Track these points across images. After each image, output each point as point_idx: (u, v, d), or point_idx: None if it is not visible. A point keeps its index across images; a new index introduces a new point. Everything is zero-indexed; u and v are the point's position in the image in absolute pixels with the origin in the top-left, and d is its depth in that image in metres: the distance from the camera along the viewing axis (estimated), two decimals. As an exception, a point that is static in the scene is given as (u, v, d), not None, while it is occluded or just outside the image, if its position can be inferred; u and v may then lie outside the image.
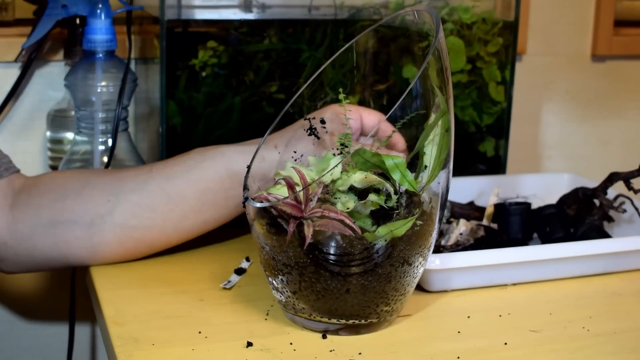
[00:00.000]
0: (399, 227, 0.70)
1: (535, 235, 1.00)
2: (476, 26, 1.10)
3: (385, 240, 0.71)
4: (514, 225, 0.97)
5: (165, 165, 0.88)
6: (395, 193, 0.72)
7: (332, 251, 0.70)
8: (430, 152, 0.72)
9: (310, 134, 0.77)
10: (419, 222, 0.72)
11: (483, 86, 1.13)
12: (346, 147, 0.74)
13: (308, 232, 0.69)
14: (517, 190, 1.08)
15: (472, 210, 1.03)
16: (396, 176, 0.70)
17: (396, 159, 0.70)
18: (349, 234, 0.69)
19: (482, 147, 1.15)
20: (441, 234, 0.96)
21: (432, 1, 1.11)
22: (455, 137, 0.75)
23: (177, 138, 1.01)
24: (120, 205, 0.85)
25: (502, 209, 0.98)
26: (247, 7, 1.04)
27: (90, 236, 0.85)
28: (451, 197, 1.03)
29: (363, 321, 0.74)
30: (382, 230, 0.70)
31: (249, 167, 0.75)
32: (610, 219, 0.99)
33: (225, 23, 1.01)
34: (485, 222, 1.00)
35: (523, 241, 0.97)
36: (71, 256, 0.86)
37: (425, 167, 0.73)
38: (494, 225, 0.99)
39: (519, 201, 1.01)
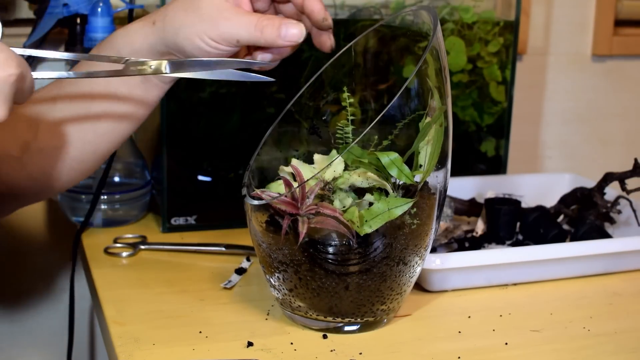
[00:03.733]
0: (397, 207, 0.70)
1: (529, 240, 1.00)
2: (477, 26, 1.10)
3: (384, 237, 0.71)
4: (501, 222, 0.98)
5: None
6: (394, 190, 0.72)
7: (327, 249, 0.71)
8: (425, 151, 0.73)
9: (312, 134, 0.77)
10: (415, 221, 0.72)
11: (484, 86, 1.13)
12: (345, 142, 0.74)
13: (302, 228, 0.69)
14: (517, 191, 1.08)
15: (472, 207, 1.03)
16: (393, 172, 0.70)
17: (391, 156, 0.70)
18: (344, 231, 0.69)
19: (482, 147, 1.15)
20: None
21: (432, 1, 1.11)
22: (455, 137, 0.75)
23: (177, 138, 1.01)
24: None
25: (491, 207, 0.99)
26: (247, 7, 1.04)
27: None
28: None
29: (359, 319, 0.75)
30: (381, 205, 0.70)
31: (249, 166, 0.75)
32: (612, 221, 1.00)
33: (226, 22, 1.01)
34: (481, 220, 1.00)
35: (509, 236, 0.98)
36: None
37: (421, 166, 0.73)
38: (481, 226, 0.99)
39: (508, 198, 1.02)
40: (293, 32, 0.71)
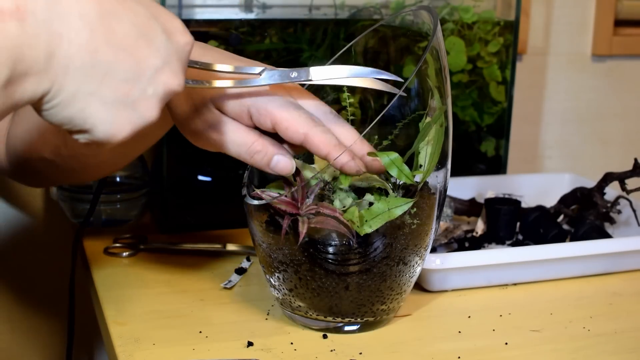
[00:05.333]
0: (397, 207, 0.70)
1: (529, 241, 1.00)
2: (477, 26, 1.10)
3: (384, 237, 0.71)
4: (501, 222, 0.98)
5: None
6: (394, 190, 0.72)
7: (327, 249, 0.71)
8: (425, 151, 0.73)
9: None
10: (415, 221, 0.72)
11: (484, 86, 1.13)
12: None
13: (302, 228, 0.69)
14: (517, 191, 1.08)
15: (472, 207, 1.03)
16: (393, 172, 0.70)
17: (391, 156, 0.70)
18: (344, 231, 0.69)
19: (482, 147, 1.15)
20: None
21: (432, 1, 1.11)
22: (455, 137, 0.75)
23: (177, 138, 1.01)
24: None
25: (491, 207, 0.99)
26: (247, 7, 1.04)
27: None
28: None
29: (359, 319, 0.75)
30: (381, 205, 0.70)
31: (249, 166, 0.75)
32: (612, 221, 1.00)
33: (226, 23, 1.01)
34: (481, 220, 1.00)
35: (509, 235, 0.98)
36: None
37: (421, 166, 0.73)
38: (481, 226, 0.99)
39: (508, 198, 1.02)
40: (283, 166, 0.69)
